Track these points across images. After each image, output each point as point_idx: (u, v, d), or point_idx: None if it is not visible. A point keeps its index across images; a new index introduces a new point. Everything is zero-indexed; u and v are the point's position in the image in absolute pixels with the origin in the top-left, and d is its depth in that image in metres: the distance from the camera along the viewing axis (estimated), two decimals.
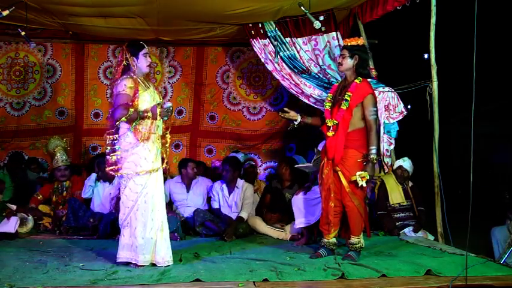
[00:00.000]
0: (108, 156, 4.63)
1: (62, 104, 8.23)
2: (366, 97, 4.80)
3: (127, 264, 4.55)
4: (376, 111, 4.88)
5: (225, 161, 6.85)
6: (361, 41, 4.99)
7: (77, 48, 8.17)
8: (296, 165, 6.43)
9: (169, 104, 4.68)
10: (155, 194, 4.62)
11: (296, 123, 5.18)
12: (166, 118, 4.72)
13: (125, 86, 4.54)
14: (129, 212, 4.56)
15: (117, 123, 4.55)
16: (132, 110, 4.49)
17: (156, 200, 4.63)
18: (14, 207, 6.37)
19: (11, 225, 6.05)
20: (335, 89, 5.09)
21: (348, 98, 4.80)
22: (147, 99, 4.63)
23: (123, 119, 4.47)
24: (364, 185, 4.69)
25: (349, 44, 4.97)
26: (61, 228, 6.42)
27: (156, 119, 4.61)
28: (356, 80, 4.87)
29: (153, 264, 4.55)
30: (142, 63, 4.68)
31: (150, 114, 4.56)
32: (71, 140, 8.15)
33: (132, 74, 4.64)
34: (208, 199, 6.90)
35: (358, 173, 4.69)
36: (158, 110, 4.60)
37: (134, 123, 4.52)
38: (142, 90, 4.63)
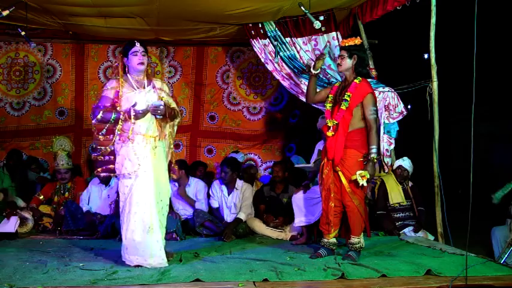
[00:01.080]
0: (94, 155, 4.71)
1: (62, 104, 8.24)
2: (366, 97, 4.80)
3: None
4: (376, 110, 4.88)
5: (223, 162, 6.84)
6: (358, 40, 4.99)
7: (77, 48, 8.18)
8: (296, 165, 6.41)
9: (157, 103, 4.50)
10: (140, 196, 4.51)
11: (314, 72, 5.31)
12: (159, 117, 4.56)
13: (107, 87, 4.59)
14: (121, 211, 4.59)
15: (92, 125, 4.58)
16: (101, 112, 4.45)
17: (141, 201, 4.51)
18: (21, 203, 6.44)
19: (11, 225, 6.06)
20: (335, 90, 5.09)
21: (348, 98, 4.81)
22: (131, 100, 4.54)
23: (94, 121, 4.49)
24: (365, 184, 4.69)
25: (346, 45, 4.97)
26: (61, 228, 6.43)
27: (131, 119, 4.45)
28: (355, 80, 4.88)
29: (138, 266, 4.48)
30: (132, 62, 4.63)
31: (122, 116, 4.47)
32: (71, 140, 8.14)
33: (128, 75, 4.65)
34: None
35: (358, 172, 4.69)
36: (132, 112, 4.43)
37: (108, 125, 4.48)
38: (129, 91, 4.59)
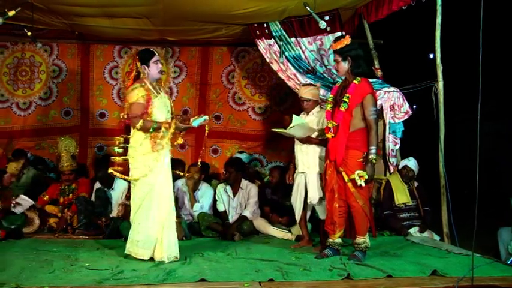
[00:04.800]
0: (113, 157, 4.86)
1: (67, 104, 8.25)
2: (365, 97, 4.78)
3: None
4: (376, 110, 4.86)
5: (228, 163, 6.85)
6: (347, 40, 4.90)
7: (83, 49, 8.19)
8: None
9: (205, 117, 4.88)
10: (159, 197, 4.78)
11: None
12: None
13: (137, 95, 4.73)
14: (136, 209, 4.78)
15: (132, 132, 4.81)
16: (141, 121, 4.66)
17: (162, 201, 4.79)
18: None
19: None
20: (336, 90, 5.08)
21: (347, 100, 4.79)
22: (157, 105, 4.79)
23: (138, 126, 4.67)
24: (363, 184, 4.69)
25: (338, 48, 4.90)
26: (67, 228, 6.45)
27: (170, 129, 4.74)
28: (355, 81, 4.85)
29: (152, 259, 4.75)
30: (153, 70, 4.85)
31: (167, 125, 4.72)
32: (77, 140, 8.16)
33: (146, 81, 4.81)
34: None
35: (356, 172, 4.69)
36: (173, 123, 4.75)
37: (150, 132, 4.71)
38: (153, 97, 4.79)
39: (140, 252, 4.73)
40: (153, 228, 4.75)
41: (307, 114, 5.59)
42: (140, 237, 4.73)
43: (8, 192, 6.50)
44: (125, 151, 4.87)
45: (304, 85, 5.79)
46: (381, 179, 6.65)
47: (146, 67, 4.83)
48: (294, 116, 5.45)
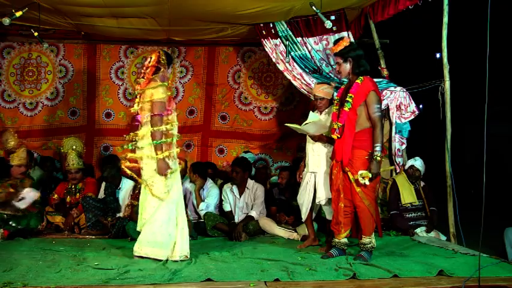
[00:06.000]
0: (130, 155, 4.91)
1: (74, 104, 8.28)
2: (368, 95, 4.78)
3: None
4: (380, 108, 4.85)
5: (234, 162, 6.85)
6: (346, 41, 4.98)
7: (89, 49, 8.21)
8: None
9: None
10: (175, 197, 4.83)
11: None
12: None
13: (163, 94, 4.74)
14: (155, 210, 4.79)
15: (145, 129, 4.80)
16: (163, 126, 4.70)
17: (178, 201, 4.88)
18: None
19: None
20: (341, 92, 5.09)
21: (350, 100, 4.81)
22: (173, 107, 4.90)
23: (156, 128, 4.67)
24: (367, 183, 4.68)
25: (338, 50, 4.96)
26: (74, 228, 6.47)
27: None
28: (357, 80, 4.86)
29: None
30: (167, 74, 4.95)
31: (170, 152, 4.78)
32: (83, 140, 8.19)
33: (164, 80, 4.87)
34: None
35: (359, 172, 4.68)
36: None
37: (154, 143, 4.70)
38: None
39: (161, 253, 4.73)
40: (174, 228, 4.78)
41: (321, 113, 5.55)
42: (163, 239, 4.74)
43: (27, 182, 6.44)
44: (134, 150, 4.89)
45: (318, 83, 5.77)
46: (388, 169, 6.62)
47: (167, 69, 4.93)
48: (310, 112, 5.44)
